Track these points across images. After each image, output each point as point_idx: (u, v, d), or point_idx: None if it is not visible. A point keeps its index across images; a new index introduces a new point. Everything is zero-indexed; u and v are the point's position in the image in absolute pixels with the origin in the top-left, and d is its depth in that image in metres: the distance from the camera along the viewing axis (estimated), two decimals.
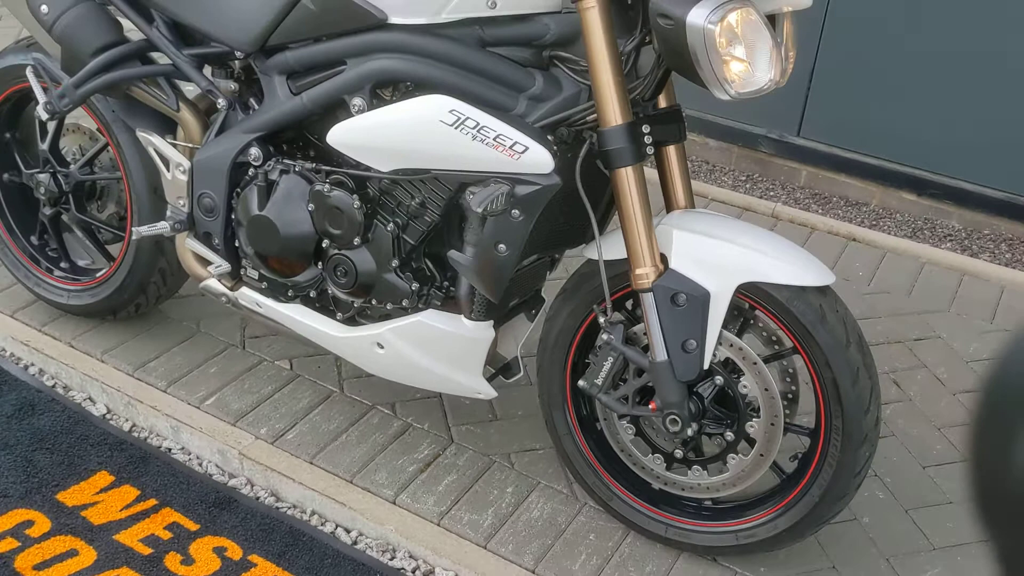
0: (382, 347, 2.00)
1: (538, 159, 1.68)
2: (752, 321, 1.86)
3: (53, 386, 2.43)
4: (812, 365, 1.76)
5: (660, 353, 1.78)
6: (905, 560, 2.02)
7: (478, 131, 1.69)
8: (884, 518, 2.10)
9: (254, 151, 2.02)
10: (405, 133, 1.75)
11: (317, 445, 2.24)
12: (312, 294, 2.09)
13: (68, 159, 2.46)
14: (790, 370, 1.87)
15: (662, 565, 1.98)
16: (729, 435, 1.85)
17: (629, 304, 1.95)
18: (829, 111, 3.41)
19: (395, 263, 1.93)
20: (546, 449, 2.26)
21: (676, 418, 1.80)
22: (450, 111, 1.70)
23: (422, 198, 1.87)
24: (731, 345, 1.80)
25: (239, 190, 2.08)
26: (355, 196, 1.90)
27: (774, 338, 1.87)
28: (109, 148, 2.35)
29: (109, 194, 2.46)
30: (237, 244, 2.13)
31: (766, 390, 1.79)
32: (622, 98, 1.68)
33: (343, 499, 2.10)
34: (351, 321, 2.07)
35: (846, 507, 1.85)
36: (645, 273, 1.75)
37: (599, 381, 1.87)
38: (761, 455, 1.83)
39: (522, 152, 1.68)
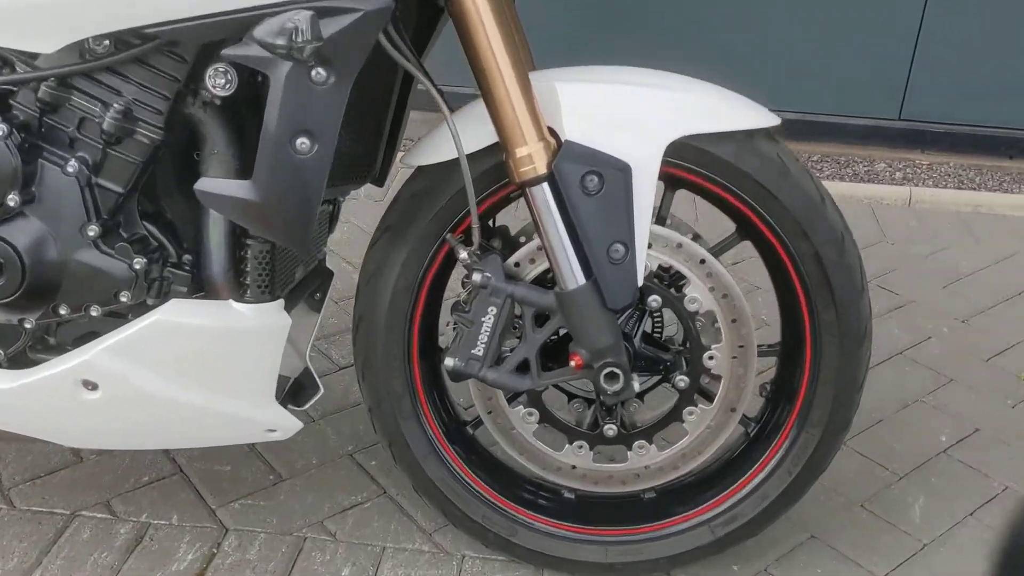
0: (95, 387, 1.14)
1: None
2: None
3: None
4: (779, 243, 1.21)
5: (574, 275, 1.14)
6: (880, 499, 1.54)
7: None
8: None
9: None
10: None
11: None
12: None
13: None
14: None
15: None
16: (681, 380, 1.25)
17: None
18: None
19: (93, 231, 1.10)
20: (372, 499, 1.50)
21: (615, 370, 1.17)
22: None
23: (125, 103, 1.07)
24: (664, 244, 1.21)
25: None
26: None
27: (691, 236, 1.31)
28: None
29: None
30: None
31: (724, 297, 1.22)
32: None
33: None
34: (19, 362, 1.18)
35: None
36: (531, 154, 1.11)
37: (479, 351, 1.18)
38: (732, 399, 1.26)
39: None
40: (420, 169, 1.22)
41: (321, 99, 1.00)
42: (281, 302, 1.19)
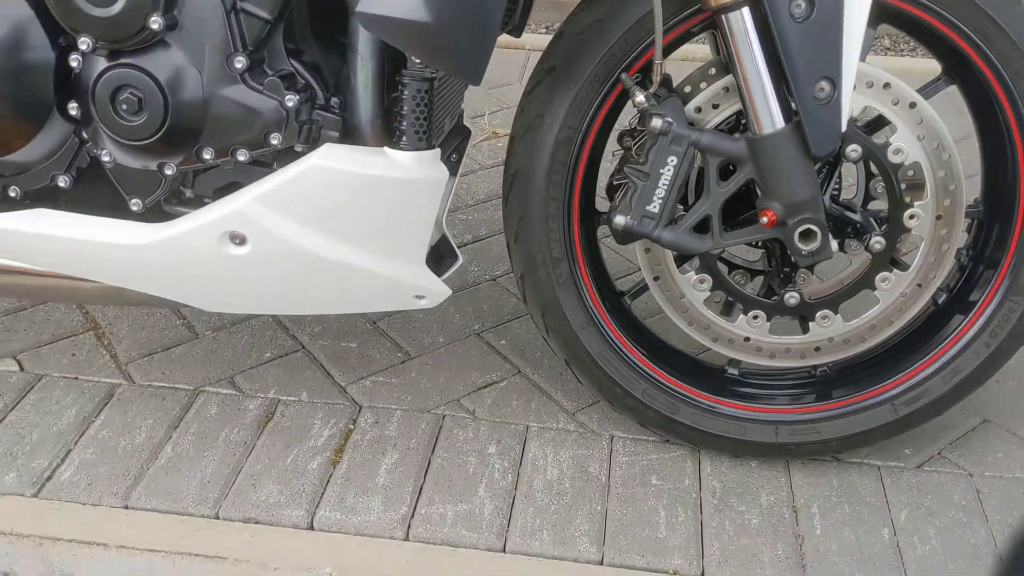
0: (243, 241, 1.04)
1: None
2: None
3: None
4: (999, 83, 1.07)
5: (772, 118, 1.01)
6: None
7: None
8: None
9: None
10: None
11: (126, 475, 1.22)
12: (63, 182, 1.07)
13: None
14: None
15: (778, 489, 1.22)
16: (877, 242, 1.13)
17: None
18: None
19: (240, 62, 0.98)
20: (507, 379, 1.41)
21: (812, 227, 1.05)
22: None
23: None
24: (868, 84, 1.07)
25: None
26: None
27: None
28: None
29: None
30: None
31: (935, 147, 1.08)
32: None
33: (216, 549, 1.12)
34: (155, 215, 1.08)
35: None
36: None
37: (654, 207, 1.07)
38: (931, 264, 1.13)
39: None
40: (585, 3, 1.09)
41: None
42: (438, 151, 1.07)
